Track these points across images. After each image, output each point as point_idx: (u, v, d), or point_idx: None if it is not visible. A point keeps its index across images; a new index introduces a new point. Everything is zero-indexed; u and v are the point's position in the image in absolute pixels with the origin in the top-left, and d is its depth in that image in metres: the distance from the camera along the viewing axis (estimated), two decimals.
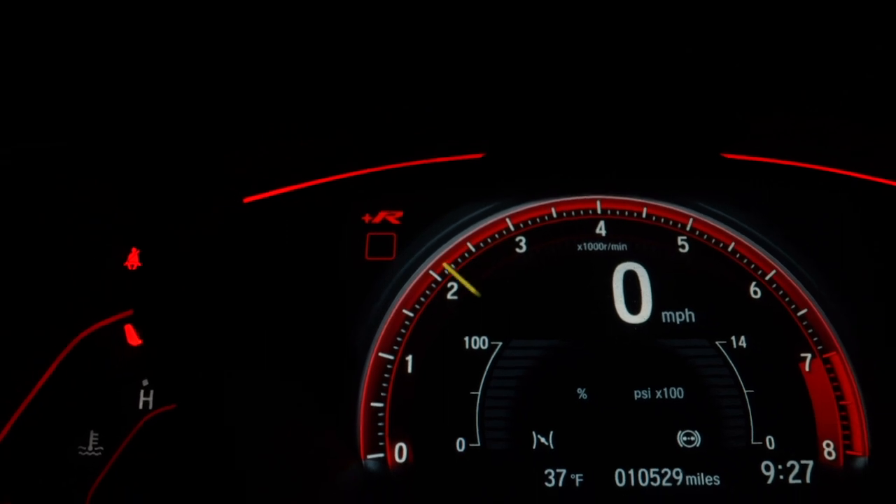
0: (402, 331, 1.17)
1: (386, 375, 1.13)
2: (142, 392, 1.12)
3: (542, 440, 1.10)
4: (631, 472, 1.07)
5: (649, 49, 1.13)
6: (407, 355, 1.15)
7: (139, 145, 1.20)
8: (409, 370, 1.13)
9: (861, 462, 1.10)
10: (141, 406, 1.11)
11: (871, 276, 1.21)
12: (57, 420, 1.09)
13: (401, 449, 1.09)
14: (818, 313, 1.19)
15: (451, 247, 1.24)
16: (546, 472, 1.07)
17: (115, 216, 1.21)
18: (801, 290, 1.21)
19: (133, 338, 1.14)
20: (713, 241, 1.25)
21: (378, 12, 1.05)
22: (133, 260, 1.19)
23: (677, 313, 1.18)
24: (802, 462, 1.09)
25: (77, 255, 1.18)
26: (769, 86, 1.17)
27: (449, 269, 1.19)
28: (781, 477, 1.07)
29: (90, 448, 1.08)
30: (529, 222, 1.27)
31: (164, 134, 1.22)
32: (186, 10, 1.00)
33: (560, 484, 1.06)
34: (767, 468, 1.08)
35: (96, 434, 1.09)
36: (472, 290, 1.18)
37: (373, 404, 1.11)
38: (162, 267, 1.19)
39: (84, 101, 1.15)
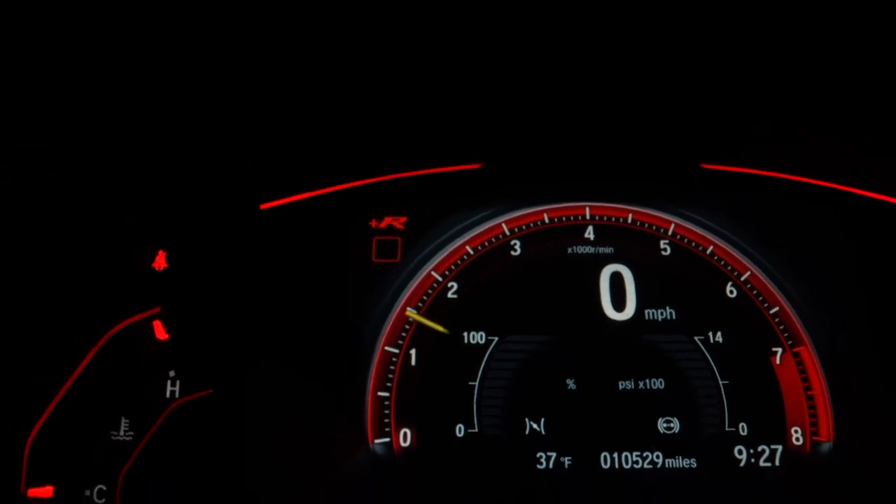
0: (407, 326, 1.21)
1: (391, 367, 1.17)
2: (169, 382, 1.15)
3: (535, 426, 1.14)
4: (615, 455, 1.11)
5: (632, 70, 1.15)
6: (411, 349, 1.19)
7: (162, 160, 1.24)
8: (413, 363, 1.17)
9: (826, 447, 1.14)
10: (168, 395, 1.15)
11: (838, 277, 1.24)
12: (91, 407, 1.13)
13: (405, 434, 1.13)
14: (789, 311, 1.23)
15: (451, 250, 1.28)
16: (538, 455, 1.12)
17: (144, 223, 1.24)
18: (773, 290, 1.25)
19: (161, 333, 1.18)
20: (693, 244, 1.29)
21: (387, 38, 1.08)
22: (160, 262, 1.23)
23: (659, 311, 1.22)
24: (772, 447, 1.13)
25: (109, 257, 1.21)
26: (761, 90, 1.16)
27: (412, 314, 1.20)
28: (753, 460, 1.12)
29: (121, 433, 1.12)
30: (523, 227, 1.30)
31: (185, 147, 1.25)
32: (198, 16, 0.99)
33: (550, 466, 1.11)
34: (740, 452, 1.12)
35: (127, 420, 1.13)
36: (440, 328, 1.20)
37: (379, 394, 1.16)
38: (186, 268, 1.23)
39: (99, 110, 1.15)
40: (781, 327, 1.22)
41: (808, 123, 1.22)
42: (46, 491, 1.08)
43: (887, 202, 1.29)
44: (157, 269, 1.23)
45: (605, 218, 1.31)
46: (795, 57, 1.06)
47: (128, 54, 1.04)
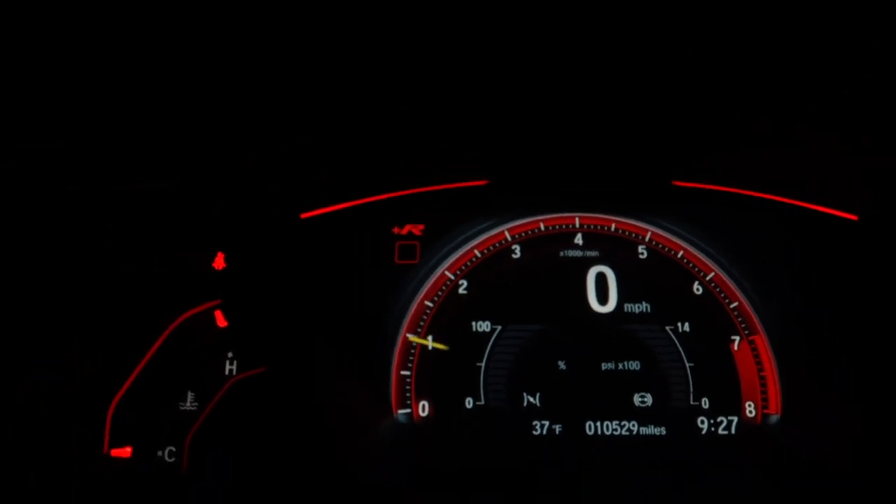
0: (424, 317, 1.29)
1: (412, 351, 1.26)
2: (227, 362, 1.24)
3: (531, 399, 1.23)
4: (598, 423, 1.21)
5: (625, 87, 1.16)
6: (428, 335, 1.28)
7: (222, 176, 1.32)
8: (430, 347, 1.27)
9: (775, 419, 1.23)
10: (227, 372, 1.23)
11: (787, 277, 1.32)
12: (162, 382, 1.21)
13: (423, 406, 1.22)
14: (746, 306, 1.31)
15: (461, 253, 1.35)
16: (533, 423, 1.21)
17: (206, 229, 1.32)
18: (733, 288, 1.32)
19: (221, 321, 1.26)
20: (666, 249, 1.36)
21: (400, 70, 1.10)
22: (219, 262, 1.30)
23: (636, 305, 1.30)
24: (729, 418, 1.22)
25: (177, 258, 1.29)
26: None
27: (413, 338, 1.26)
28: (713, 429, 1.21)
29: (188, 404, 1.20)
30: (523, 234, 1.37)
31: (236, 163, 1.33)
32: (204, 16, 0.95)
33: (544, 432, 1.21)
34: (702, 422, 1.21)
35: (192, 393, 1.21)
36: (440, 346, 1.26)
37: (402, 372, 1.25)
38: (241, 267, 1.30)
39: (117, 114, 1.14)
40: (739, 319, 1.30)
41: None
42: (125, 451, 1.17)
43: (827, 213, 1.36)
44: (216, 268, 1.30)
45: (591, 226, 1.38)
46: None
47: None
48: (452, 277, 1.34)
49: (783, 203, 1.39)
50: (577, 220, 1.40)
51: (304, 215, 1.36)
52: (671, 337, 1.28)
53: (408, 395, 1.24)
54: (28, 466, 1.14)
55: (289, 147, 1.30)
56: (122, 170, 1.29)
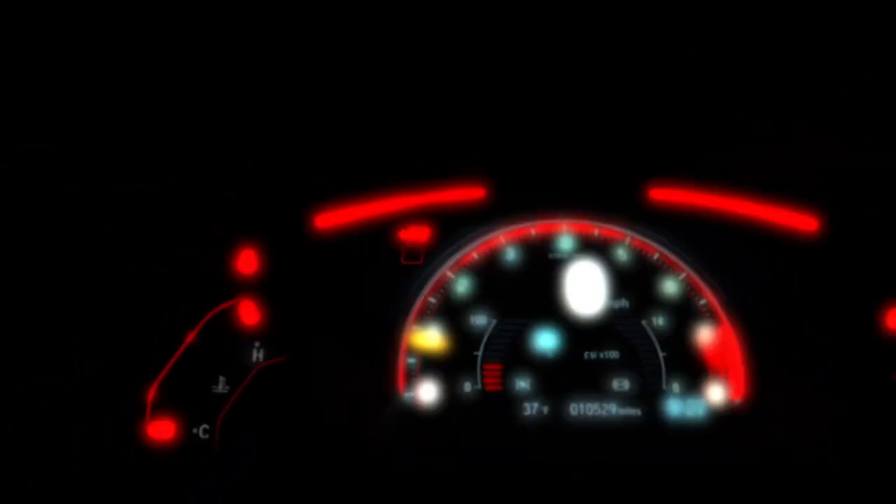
0: (428, 312, 1.38)
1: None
2: (255, 350, 1.32)
3: (522, 384, 1.32)
4: (581, 405, 1.30)
5: (610, 105, 1.20)
6: (431, 328, 1.37)
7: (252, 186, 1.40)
8: (432, 341, 1.35)
9: (738, 403, 1.31)
10: (254, 359, 1.31)
11: (749, 277, 1.38)
12: (198, 367, 1.29)
13: (427, 390, 1.33)
14: (714, 302, 1.38)
15: (461, 254, 1.41)
16: (524, 405, 1.31)
17: (233, 233, 1.38)
18: (702, 286, 1.40)
19: (249, 314, 1.34)
20: (643, 252, 1.43)
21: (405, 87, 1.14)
22: (246, 264, 1.38)
23: (616, 301, 1.39)
24: (698, 402, 1.31)
25: (212, 260, 1.36)
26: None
27: (417, 340, 1.33)
28: (683, 412, 1.30)
29: (220, 387, 1.28)
30: (516, 238, 1.44)
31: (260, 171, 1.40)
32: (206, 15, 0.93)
33: (534, 413, 1.30)
34: (673, 405, 1.31)
35: (224, 377, 1.29)
36: (439, 343, 1.32)
37: (408, 360, 1.35)
38: (266, 268, 1.38)
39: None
40: (708, 313, 1.38)
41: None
42: (164, 430, 1.26)
43: (788, 221, 1.39)
44: (244, 271, 1.38)
45: (577, 232, 1.44)
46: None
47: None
48: (453, 276, 1.41)
49: (748, 213, 1.43)
50: (564, 225, 1.47)
51: (320, 223, 1.42)
52: (646, 330, 1.36)
53: (413, 380, 1.34)
54: (57, 453, 1.21)
55: (289, 147, 1.33)
56: (122, 170, 1.31)
